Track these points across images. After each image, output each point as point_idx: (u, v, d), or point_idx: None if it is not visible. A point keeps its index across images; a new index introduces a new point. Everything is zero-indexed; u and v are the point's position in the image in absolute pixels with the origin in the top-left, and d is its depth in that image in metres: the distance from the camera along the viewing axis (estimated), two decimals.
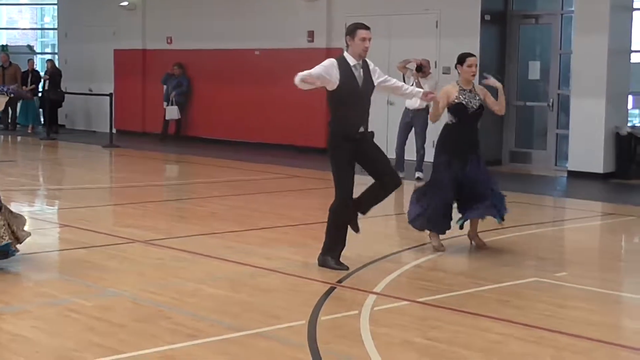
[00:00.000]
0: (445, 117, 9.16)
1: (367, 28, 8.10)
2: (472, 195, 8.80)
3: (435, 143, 9.20)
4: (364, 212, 8.20)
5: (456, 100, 8.90)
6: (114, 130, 20.63)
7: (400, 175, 13.02)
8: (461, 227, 8.98)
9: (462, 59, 9.02)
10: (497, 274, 7.99)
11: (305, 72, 7.69)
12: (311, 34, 18.88)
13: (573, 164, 15.40)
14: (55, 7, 26.06)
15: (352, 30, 8.10)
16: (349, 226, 8.07)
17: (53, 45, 27.70)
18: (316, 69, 7.83)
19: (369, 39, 8.05)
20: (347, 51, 8.10)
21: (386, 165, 8.16)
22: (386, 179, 8.08)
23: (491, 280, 7.69)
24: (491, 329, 6.19)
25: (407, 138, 15.04)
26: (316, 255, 8.23)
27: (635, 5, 15.58)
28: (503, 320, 6.37)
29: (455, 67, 9.12)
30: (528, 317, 6.49)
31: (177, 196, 13.39)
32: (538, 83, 16.64)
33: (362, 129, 7.94)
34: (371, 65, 8.15)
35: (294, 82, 7.64)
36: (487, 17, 16.64)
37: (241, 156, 17.82)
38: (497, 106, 9.17)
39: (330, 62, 7.94)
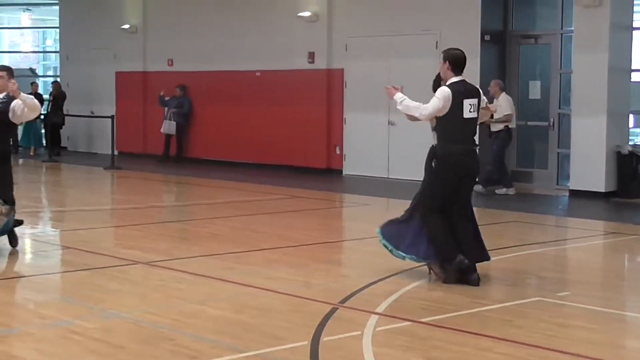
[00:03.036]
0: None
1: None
2: None
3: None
4: None
5: None
6: (115, 152, 20.66)
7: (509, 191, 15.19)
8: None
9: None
10: (499, 293, 7.99)
11: None
12: (312, 55, 18.93)
13: (575, 183, 15.40)
14: (57, 30, 26.16)
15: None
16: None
17: (55, 68, 27.78)
18: None
19: None
20: None
21: None
22: None
23: (493, 300, 7.67)
24: (493, 349, 6.17)
25: (504, 156, 15.70)
26: (317, 276, 8.21)
27: (634, 24, 15.61)
28: (505, 340, 6.35)
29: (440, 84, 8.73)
30: (530, 336, 6.47)
31: (178, 218, 13.38)
32: (539, 102, 16.65)
33: None
34: None
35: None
36: (487, 37, 16.68)
37: (242, 177, 17.83)
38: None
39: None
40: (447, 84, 8.44)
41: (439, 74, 8.68)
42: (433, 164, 8.48)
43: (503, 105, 15.08)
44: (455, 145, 8.34)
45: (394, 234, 8.48)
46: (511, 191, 15.36)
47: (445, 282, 8.20)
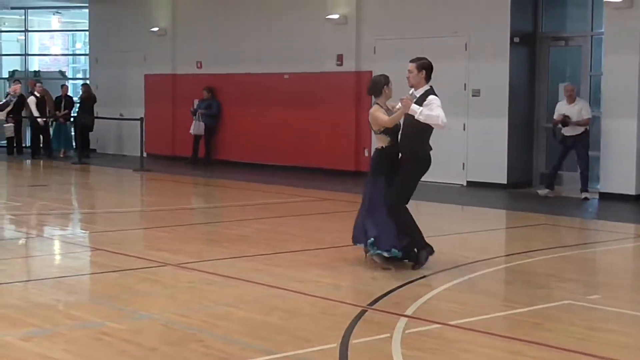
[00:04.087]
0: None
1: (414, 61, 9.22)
2: None
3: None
4: None
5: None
6: (144, 154, 20.76)
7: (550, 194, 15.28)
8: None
9: (387, 81, 9.21)
10: (529, 296, 7.94)
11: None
12: (340, 58, 18.93)
13: (604, 186, 15.30)
14: (87, 33, 26.34)
15: None
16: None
17: (84, 71, 27.96)
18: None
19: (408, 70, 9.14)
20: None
21: None
22: None
23: (523, 303, 7.63)
24: (523, 352, 6.14)
25: (564, 161, 15.62)
26: (347, 278, 8.22)
27: None
28: (535, 344, 6.32)
29: (382, 89, 9.16)
30: (561, 340, 6.44)
31: (207, 220, 13.43)
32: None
33: None
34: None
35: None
36: (517, 39, 16.60)
37: (270, 179, 17.86)
38: None
39: None
40: (424, 90, 9.05)
41: (380, 77, 9.27)
42: (410, 163, 9.09)
43: (584, 109, 15.12)
44: (427, 146, 9.20)
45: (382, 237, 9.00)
46: (551, 194, 15.34)
47: (416, 268, 8.92)
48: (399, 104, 8.97)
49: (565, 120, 15.21)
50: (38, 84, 23.28)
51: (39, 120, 22.56)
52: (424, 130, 9.05)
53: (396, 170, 9.12)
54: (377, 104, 9.18)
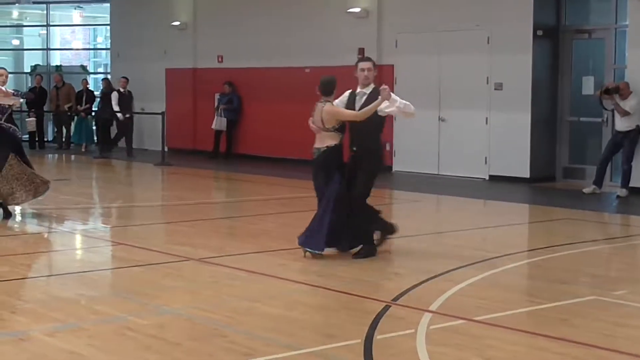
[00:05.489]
0: None
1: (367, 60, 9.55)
2: None
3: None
4: None
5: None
6: (165, 149, 20.79)
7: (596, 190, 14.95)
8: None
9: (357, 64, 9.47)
10: (554, 292, 7.88)
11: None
12: (361, 51, 18.86)
13: (633, 181, 15.12)
14: (108, 27, 26.40)
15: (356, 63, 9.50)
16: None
17: (105, 65, 28.02)
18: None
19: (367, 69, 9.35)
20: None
21: None
22: None
23: (547, 298, 7.57)
24: (549, 348, 6.09)
25: (612, 157, 15.39)
26: (369, 273, 8.19)
27: None
28: (561, 340, 6.26)
29: (334, 89, 9.31)
30: (586, 336, 6.38)
31: (229, 214, 13.42)
32: (591, 97, 16.42)
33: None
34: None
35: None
36: (540, 32, 16.49)
37: (292, 174, 17.83)
38: None
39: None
40: (372, 88, 9.28)
41: (332, 77, 9.41)
42: (372, 159, 9.32)
43: (635, 105, 14.89)
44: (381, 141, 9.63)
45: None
46: (597, 190, 15.12)
47: (373, 254, 9.28)
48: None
49: (608, 89, 14.95)
50: (122, 79, 22.44)
51: (119, 115, 22.00)
52: (381, 124, 9.35)
53: (343, 167, 9.26)
54: (329, 101, 9.25)
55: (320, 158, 9.28)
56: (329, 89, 9.28)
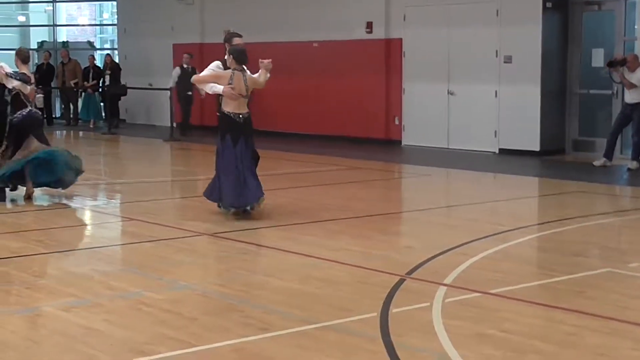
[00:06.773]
0: None
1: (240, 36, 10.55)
2: None
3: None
4: None
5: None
6: (174, 124, 20.75)
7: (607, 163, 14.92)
8: None
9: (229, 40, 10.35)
10: (568, 264, 7.86)
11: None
12: (370, 25, 18.79)
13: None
14: (114, 3, 26.30)
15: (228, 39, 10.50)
16: None
17: (112, 41, 27.95)
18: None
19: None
20: None
21: None
22: None
23: (562, 271, 7.55)
24: (565, 321, 6.08)
25: (622, 129, 15.27)
26: (382, 247, 8.19)
27: None
28: (577, 312, 6.25)
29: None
30: (603, 308, 6.37)
31: None
32: (601, 70, 16.35)
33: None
34: None
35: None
36: (549, 4, 16.39)
37: (300, 148, 17.81)
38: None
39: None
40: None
41: (244, 47, 10.38)
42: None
43: None
44: None
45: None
46: (608, 163, 15.04)
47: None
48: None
49: (617, 60, 14.88)
50: (186, 55, 21.37)
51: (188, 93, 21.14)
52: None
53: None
54: (243, 70, 10.01)
55: (250, 120, 10.10)
56: (244, 58, 10.08)
